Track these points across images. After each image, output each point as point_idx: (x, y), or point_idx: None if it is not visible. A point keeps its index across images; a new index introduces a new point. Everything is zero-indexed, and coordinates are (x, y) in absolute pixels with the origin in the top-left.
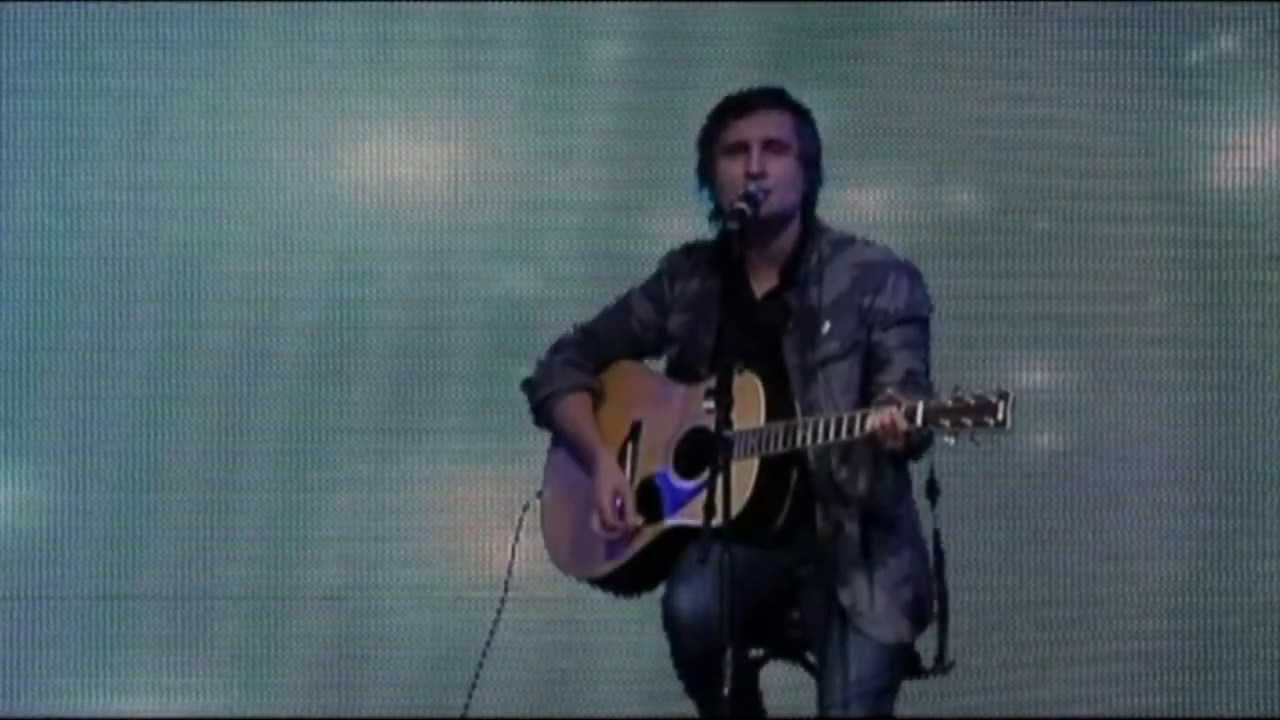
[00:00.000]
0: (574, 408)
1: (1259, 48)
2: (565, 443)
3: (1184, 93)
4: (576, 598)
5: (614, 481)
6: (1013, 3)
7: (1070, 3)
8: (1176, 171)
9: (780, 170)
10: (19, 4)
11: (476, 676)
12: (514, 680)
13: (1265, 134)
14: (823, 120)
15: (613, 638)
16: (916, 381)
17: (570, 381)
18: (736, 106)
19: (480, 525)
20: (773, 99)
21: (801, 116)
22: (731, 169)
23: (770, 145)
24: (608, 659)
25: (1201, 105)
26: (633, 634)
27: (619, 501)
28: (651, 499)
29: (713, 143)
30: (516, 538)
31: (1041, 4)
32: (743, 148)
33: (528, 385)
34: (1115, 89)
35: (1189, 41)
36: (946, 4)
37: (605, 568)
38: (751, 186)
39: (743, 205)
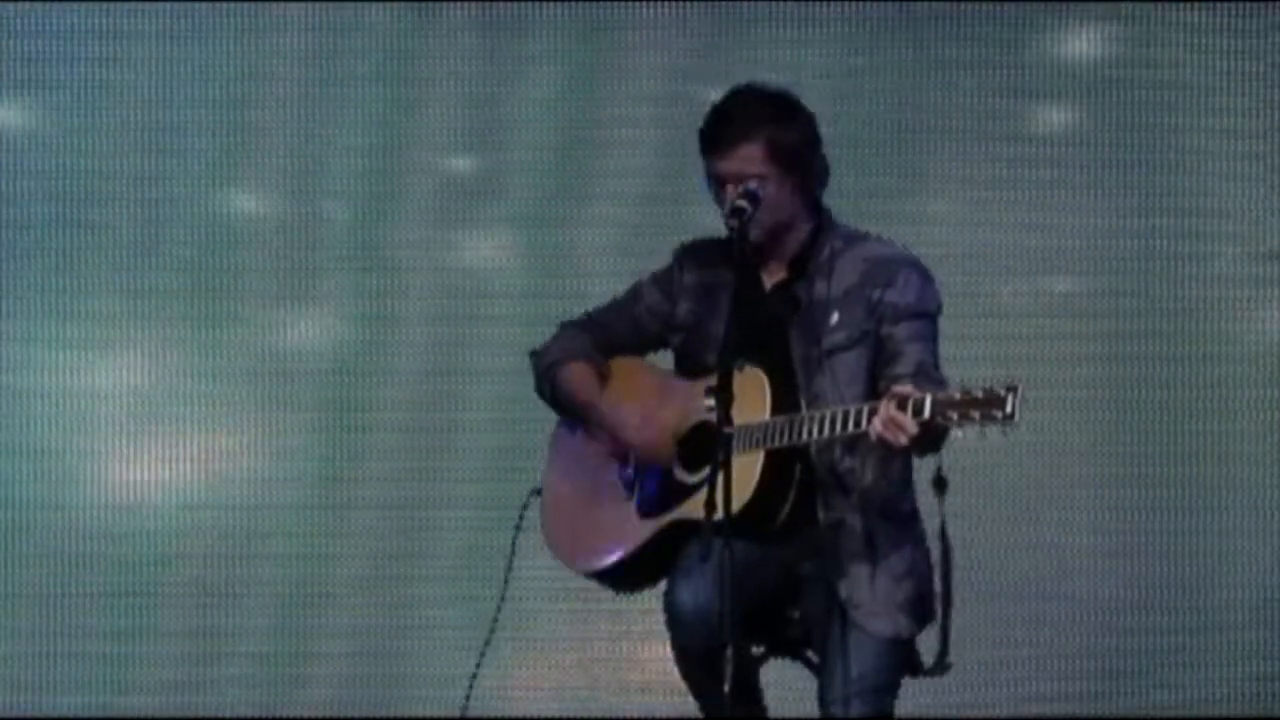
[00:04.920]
0: (579, 373)
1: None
2: (567, 433)
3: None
4: (578, 596)
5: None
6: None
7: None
8: (1166, 166)
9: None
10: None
11: (475, 674)
12: (514, 679)
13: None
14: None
15: (612, 636)
16: (928, 374)
17: (577, 351)
18: (708, 139)
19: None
20: (739, 132)
21: (775, 135)
22: (717, 192)
23: (741, 180)
24: (607, 657)
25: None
26: (634, 632)
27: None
28: (655, 492)
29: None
30: (516, 535)
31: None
32: (719, 181)
33: (534, 356)
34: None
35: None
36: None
37: (606, 560)
38: (739, 201)
39: (733, 222)
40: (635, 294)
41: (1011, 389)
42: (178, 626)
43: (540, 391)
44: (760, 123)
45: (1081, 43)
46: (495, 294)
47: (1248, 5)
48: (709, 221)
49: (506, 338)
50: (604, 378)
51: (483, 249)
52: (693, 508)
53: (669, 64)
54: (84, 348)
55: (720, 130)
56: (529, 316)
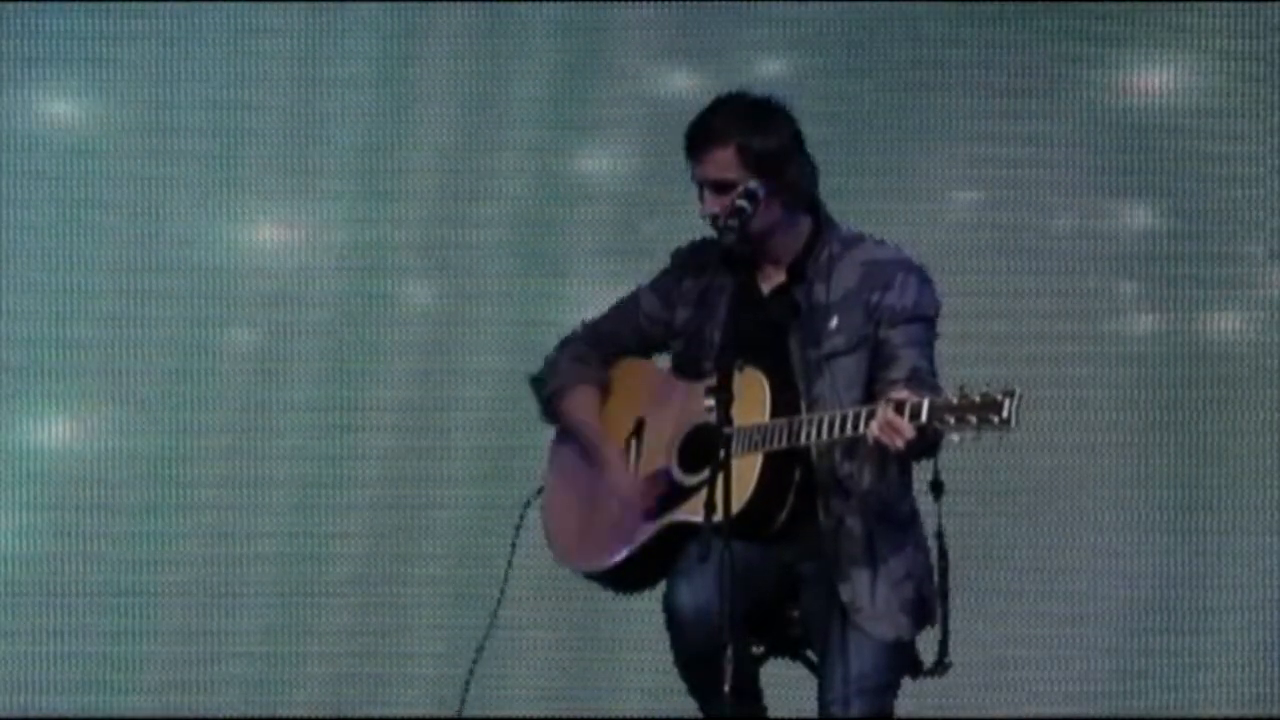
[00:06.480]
0: (580, 402)
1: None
2: (570, 436)
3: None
4: (578, 595)
5: (623, 478)
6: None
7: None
8: (1167, 166)
9: (731, 207)
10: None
11: (470, 675)
12: (516, 678)
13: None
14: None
15: (613, 635)
16: (921, 379)
17: (577, 376)
18: (687, 143)
19: (482, 526)
20: (712, 136)
21: (747, 141)
22: (699, 196)
23: (717, 186)
24: (609, 657)
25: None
26: (634, 631)
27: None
28: (655, 494)
29: None
30: (516, 534)
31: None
32: (698, 185)
33: (535, 382)
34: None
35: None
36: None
37: (606, 562)
38: (740, 202)
39: (733, 222)
40: (634, 302)
41: (1009, 394)
42: (176, 627)
43: (544, 417)
44: (732, 129)
45: (1080, 43)
46: (491, 295)
47: (1248, 5)
48: (701, 224)
49: (502, 339)
50: (606, 391)
51: (476, 249)
52: (692, 509)
53: (665, 65)
54: (83, 347)
55: (695, 136)
56: (523, 318)
